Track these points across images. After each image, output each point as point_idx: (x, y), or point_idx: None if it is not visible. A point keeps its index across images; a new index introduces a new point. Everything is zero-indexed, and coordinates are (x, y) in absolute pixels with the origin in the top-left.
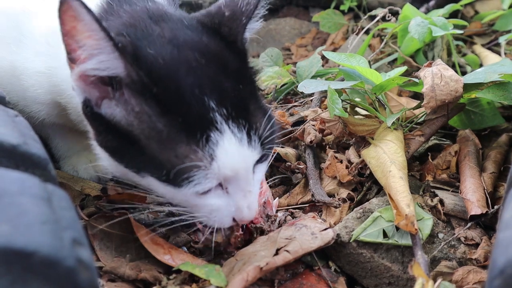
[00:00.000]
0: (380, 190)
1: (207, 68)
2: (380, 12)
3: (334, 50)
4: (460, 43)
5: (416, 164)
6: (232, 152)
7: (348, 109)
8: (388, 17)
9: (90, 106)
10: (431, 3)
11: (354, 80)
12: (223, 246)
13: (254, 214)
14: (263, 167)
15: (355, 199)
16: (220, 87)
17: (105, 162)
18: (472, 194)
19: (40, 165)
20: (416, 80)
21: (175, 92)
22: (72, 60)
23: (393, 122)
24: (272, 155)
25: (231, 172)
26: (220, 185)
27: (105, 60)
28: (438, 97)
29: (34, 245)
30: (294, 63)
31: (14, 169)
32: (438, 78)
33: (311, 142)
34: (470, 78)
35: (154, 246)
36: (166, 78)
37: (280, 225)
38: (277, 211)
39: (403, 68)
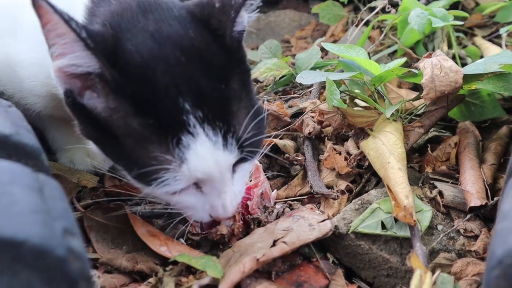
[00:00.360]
0: (379, 182)
1: (187, 67)
2: (379, 3)
3: (334, 42)
4: (461, 34)
5: (416, 155)
6: (204, 156)
7: (347, 101)
8: (388, 8)
9: (72, 96)
10: None
11: (353, 71)
12: (228, 238)
13: (230, 213)
14: (248, 166)
15: (354, 190)
16: (198, 88)
17: (92, 146)
18: (471, 186)
19: (33, 155)
20: (416, 71)
21: (149, 92)
22: (51, 54)
23: (392, 114)
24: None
25: (203, 175)
26: (195, 183)
27: (78, 57)
28: (438, 88)
29: (24, 234)
30: (294, 55)
31: (6, 159)
32: (437, 69)
33: (309, 133)
34: (470, 69)
35: (151, 238)
36: (141, 78)
37: (278, 217)
38: (275, 203)
39: (403, 60)
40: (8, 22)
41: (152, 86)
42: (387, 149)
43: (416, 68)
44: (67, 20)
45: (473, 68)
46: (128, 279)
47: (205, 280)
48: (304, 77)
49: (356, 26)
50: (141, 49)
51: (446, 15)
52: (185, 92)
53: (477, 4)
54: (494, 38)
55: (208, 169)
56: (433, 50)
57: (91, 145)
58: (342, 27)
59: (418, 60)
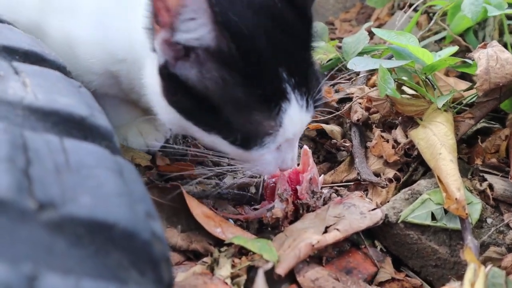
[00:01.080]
0: (426, 171)
1: (282, 37)
2: None
3: (379, 26)
4: None
5: (464, 146)
6: (295, 119)
7: (395, 88)
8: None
9: (167, 67)
10: None
11: (403, 58)
12: (282, 221)
13: (295, 164)
14: None
15: (401, 179)
16: (291, 57)
17: (165, 117)
18: None
19: (106, 136)
20: (469, 61)
21: (257, 64)
22: (159, 24)
23: (443, 104)
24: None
25: (293, 135)
26: None
27: (201, 33)
28: (492, 80)
29: (113, 217)
30: (338, 38)
31: (84, 141)
32: (493, 60)
33: (358, 120)
34: None
35: (206, 219)
36: (250, 50)
37: (325, 202)
38: (321, 187)
39: (455, 48)
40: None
41: (259, 58)
42: (438, 140)
43: (469, 58)
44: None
45: None
46: (182, 257)
47: (269, 265)
48: (356, 64)
49: (405, 12)
50: (245, 21)
51: (501, 3)
52: (282, 62)
53: None
54: None
55: (296, 130)
56: (484, 38)
57: (163, 116)
58: (387, 10)
59: (467, 48)
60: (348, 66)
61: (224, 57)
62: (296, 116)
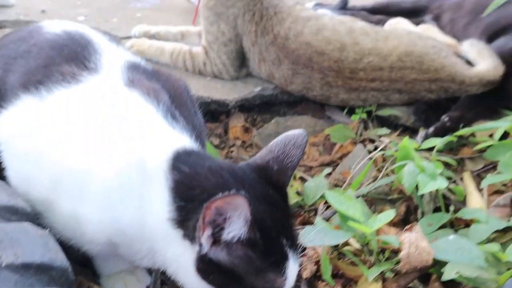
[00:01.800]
0: None
1: (276, 214)
2: (384, 133)
3: (342, 156)
4: (451, 173)
5: None
6: (293, 270)
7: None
8: (389, 148)
9: (206, 254)
10: (430, 130)
11: (348, 225)
12: None
13: None
14: None
15: None
16: (285, 226)
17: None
18: None
19: None
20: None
21: (269, 240)
22: (204, 224)
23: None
24: None
25: (292, 283)
26: None
27: (242, 231)
28: (412, 263)
29: None
30: (305, 166)
31: None
32: (414, 247)
33: (306, 279)
34: (442, 251)
35: None
36: (264, 232)
37: None
38: None
39: (392, 213)
40: (76, 186)
41: (270, 236)
42: None
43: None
44: (252, 211)
45: (443, 252)
46: None
47: None
48: (307, 237)
49: (365, 147)
50: (257, 211)
51: (433, 173)
52: (283, 233)
53: (473, 135)
54: (483, 173)
55: (294, 278)
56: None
57: (128, 276)
58: (351, 140)
59: (410, 197)
60: (301, 235)
61: (249, 241)
62: (293, 268)
